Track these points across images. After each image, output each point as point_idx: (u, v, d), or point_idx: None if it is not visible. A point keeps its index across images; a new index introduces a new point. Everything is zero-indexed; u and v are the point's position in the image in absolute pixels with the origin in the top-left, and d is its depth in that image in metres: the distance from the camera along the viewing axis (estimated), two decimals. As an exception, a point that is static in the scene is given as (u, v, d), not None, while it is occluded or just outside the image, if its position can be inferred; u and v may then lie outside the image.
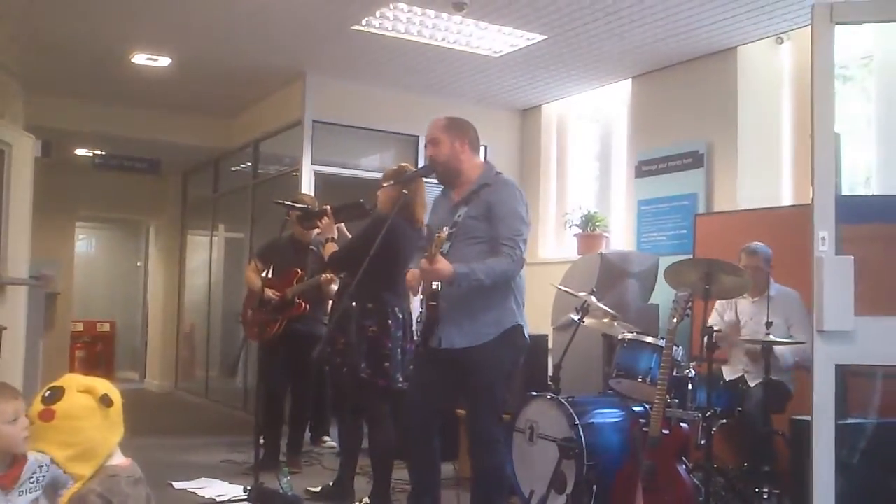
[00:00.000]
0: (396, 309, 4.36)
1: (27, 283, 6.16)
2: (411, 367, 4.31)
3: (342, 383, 4.54)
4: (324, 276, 5.33)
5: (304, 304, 5.56)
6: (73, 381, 2.07)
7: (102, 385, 2.09)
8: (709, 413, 4.17)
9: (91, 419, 2.03)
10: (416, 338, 4.45)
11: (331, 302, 5.81)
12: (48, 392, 2.04)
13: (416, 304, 3.99)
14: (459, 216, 3.61)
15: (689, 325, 5.29)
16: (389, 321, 4.32)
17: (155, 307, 11.56)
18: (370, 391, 4.35)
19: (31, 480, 2.31)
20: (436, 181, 3.88)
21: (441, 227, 3.62)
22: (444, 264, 3.42)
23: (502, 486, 3.71)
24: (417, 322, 3.81)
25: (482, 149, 4.00)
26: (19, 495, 2.19)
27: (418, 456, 3.78)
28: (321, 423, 6.67)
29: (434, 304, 3.57)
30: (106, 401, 2.04)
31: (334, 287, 5.45)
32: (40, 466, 2.28)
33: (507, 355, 3.59)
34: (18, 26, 6.27)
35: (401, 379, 4.31)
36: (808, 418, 2.89)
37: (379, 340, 4.31)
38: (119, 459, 2.11)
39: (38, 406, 2.02)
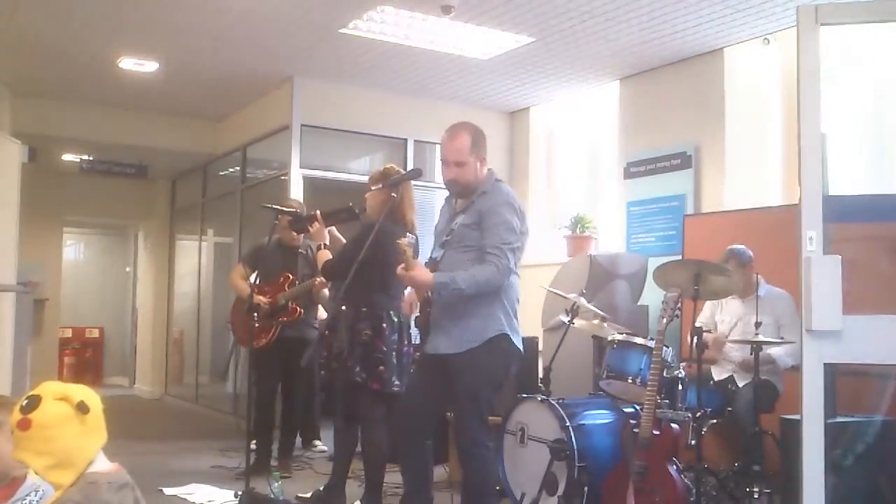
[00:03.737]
0: (391, 312, 4.35)
1: (14, 290, 6.12)
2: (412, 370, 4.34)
3: (336, 387, 4.54)
4: (318, 279, 5.32)
5: (297, 309, 5.55)
6: (50, 389, 2.04)
7: (79, 392, 2.05)
8: (699, 413, 4.18)
9: (67, 427, 2.00)
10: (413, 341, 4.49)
11: (321, 307, 5.81)
12: (26, 401, 2.01)
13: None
14: (456, 224, 3.65)
15: (678, 326, 5.30)
16: (384, 325, 4.32)
17: (144, 313, 11.51)
18: (364, 395, 4.34)
19: (24, 501, 2.28)
20: (425, 183, 3.89)
21: (439, 234, 3.71)
22: (421, 272, 3.45)
23: (488, 489, 3.71)
24: (415, 326, 3.85)
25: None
26: None
27: (411, 458, 3.80)
28: (311, 427, 6.66)
29: (428, 309, 3.63)
30: (82, 408, 2.01)
31: (326, 291, 5.44)
32: (36, 491, 2.25)
33: (493, 364, 3.60)
34: (4, 31, 6.24)
35: (396, 382, 4.31)
36: (797, 417, 2.90)
37: (373, 344, 4.30)
38: (103, 465, 2.08)
39: (16, 415, 2.00)
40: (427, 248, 4.04)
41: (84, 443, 2.03)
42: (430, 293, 3.63)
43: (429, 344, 3.65)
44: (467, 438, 3.62)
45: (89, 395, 2.07)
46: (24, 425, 1.97)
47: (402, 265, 3.48)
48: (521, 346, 3.71)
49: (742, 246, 4.91)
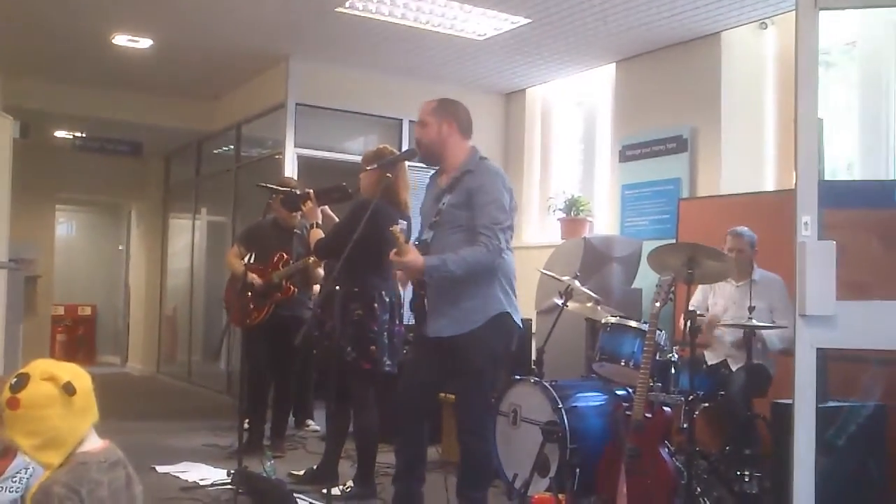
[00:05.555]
0: (383, 292, 4.35)
1: (6, 267, 6.10)
2: (405, 350, 4.34)
3: (328, 367, 4.54)
4: (312, 258, 5.31)
5: (291, 288, 5.54)
6: (38, 368, 2.01)
7: (67, 371, 2.02)
8: (691, 397, 4.19)
9: (54, 408, 1.97)
10: (405, 321, 4.49)
11: (317, 287, 5.81)
12: (15, 379, 1.99)
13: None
14: (443, 204, 3.63)
15: (672, 310, 5.31)
16: (375, 305, 4.32)
17: (137, 291, 11.50)
18: (356, 375, 4.35)
19: (14, 479, 2.28)
20: (420, 164, 3.88)
21: (427, 215, 3.69)
22: (413, 256, 3.44)
23: (489, 470, 3.74)
24: (411, 310, 3.84)
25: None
26: None
27: (407, 437, 3.80)
28: (304, 407, 6.67)
29: (422, 292, 3.61)
30: (69, 389, 1.98)
31: (321, 270, 5.43)
32: (26, 468, 2.25)
33: (495, 342, 3.62)
34: (-4, 6, 6.19)
35: (388, 362, 4.32)
36: (789, 402, 2.91)
37: (364, 324, 4.30)
38: (93, 444, 2.06)
39: (5, 394, 1.99)
40: (417, 229, 4.04)
41: (71, 423, 2.00)
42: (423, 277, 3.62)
43: (429, 327, 3.64)
44: (471, 418, 3.63)
45: (78, 375, 2.04)
46: (14, 404, 1.96)
47: (395, 250, 3.48)
48: (520, 323, 3.73)
49: (747, 228, 4.89)
